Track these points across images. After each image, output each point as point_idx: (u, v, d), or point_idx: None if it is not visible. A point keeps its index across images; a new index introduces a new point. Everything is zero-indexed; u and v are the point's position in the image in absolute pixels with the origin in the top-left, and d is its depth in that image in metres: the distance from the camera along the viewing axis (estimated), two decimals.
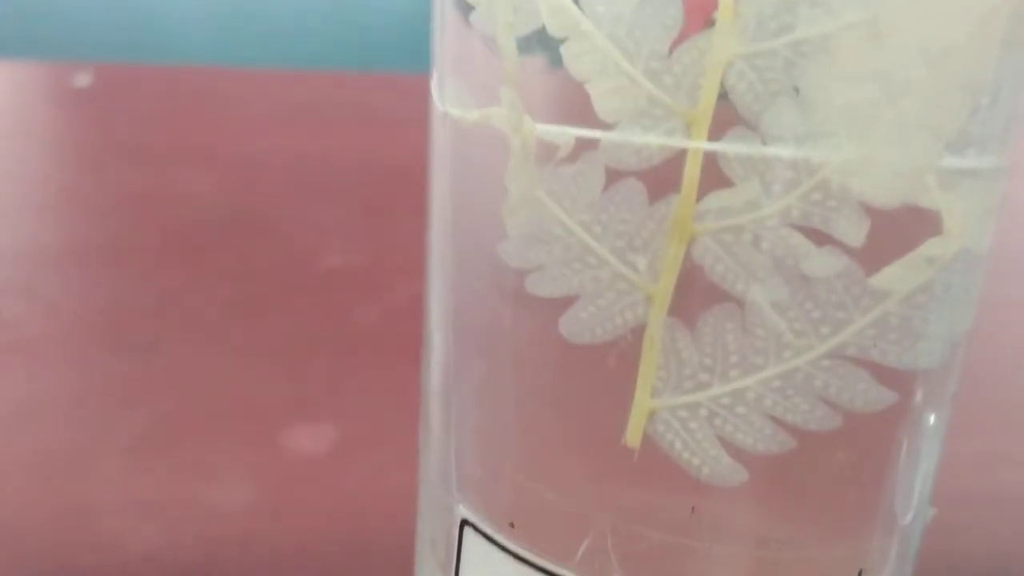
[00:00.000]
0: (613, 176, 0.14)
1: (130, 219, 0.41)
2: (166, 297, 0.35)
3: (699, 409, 0.14)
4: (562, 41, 0.13)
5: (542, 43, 0.13)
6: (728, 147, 0.13)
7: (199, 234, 0.40)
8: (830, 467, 0.15)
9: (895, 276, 0.14)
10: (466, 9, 0.14)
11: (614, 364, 0.14)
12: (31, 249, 0.38)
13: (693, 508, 0.15)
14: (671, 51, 0.13)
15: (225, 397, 0.30)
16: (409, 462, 0.18)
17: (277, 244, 0.40)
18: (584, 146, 0.14)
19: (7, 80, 0.60)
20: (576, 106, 0.13)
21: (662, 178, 0.14)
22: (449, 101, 0.15)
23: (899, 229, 0.14)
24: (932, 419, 0.15)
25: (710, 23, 0.13)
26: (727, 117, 0.13)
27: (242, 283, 0.36)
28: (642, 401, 0.14)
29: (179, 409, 0.29)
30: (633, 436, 0.14)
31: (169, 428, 0.28)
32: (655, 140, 0.13)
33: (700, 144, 0.13)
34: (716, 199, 0.14)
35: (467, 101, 0.14)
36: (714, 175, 0.14)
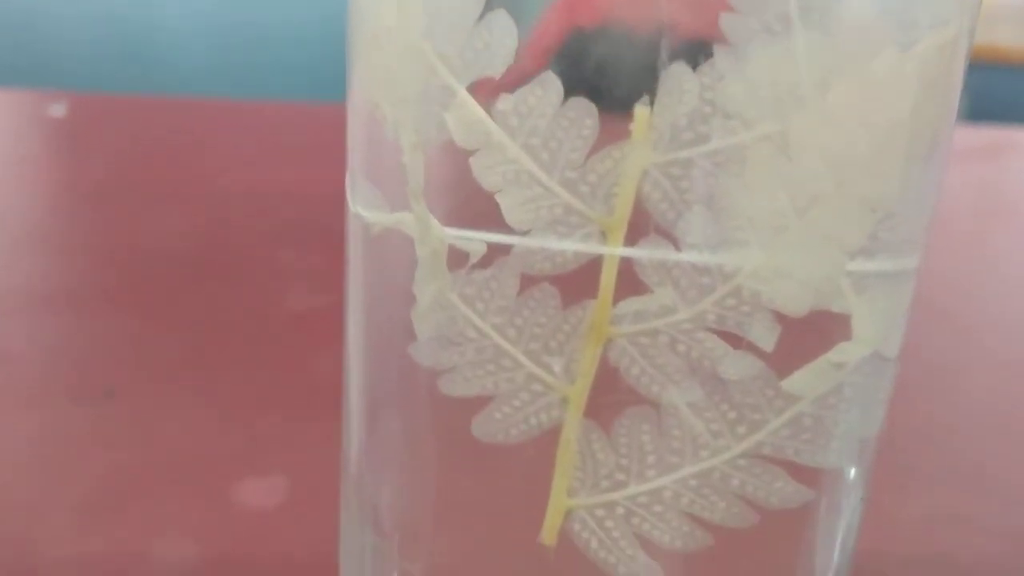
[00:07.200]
0: (527, 281, 0.14)
1: (95, 261, 0.41)
2: (127, 344, 0.35)
3: (616, 508, 0.14)
4: (471, 153, 0.13)
5: None
6: (644, 254, 0.14)
7: (163, 278, 0.40)
8: (746, 563, 0.15)
9: (805, 381, 0.14)
10: (377, 118, 0.14)
11: (530, 464, 0.14)
12: None
13: None
14: (585, 160, 0.13)
15: (178, 448, 0.30)
16: None
17: (241, 287, 0.40)
18: (497, 251, 0.14)
19: None
20: (490, 210, 0.14)
21: (577, 283, 0.14)
22: (361, 202, 0.15)
23: (814, 331, 0.14)
24: (845, 515, 0.15)
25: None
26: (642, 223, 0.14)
27: (203, 329, 0.36)
28: (558, 501, 0.14)
29: (132, 461, 0.29)
30: (549, 535, 0.14)
31: (121, 481, 0.28)
32: (570, 247, 0.14)
33: (616, 251, 0.14)
34: (632, 304, 0.14)
35: (379, 204, 0.14)
36: (630, 280, 0.14)
